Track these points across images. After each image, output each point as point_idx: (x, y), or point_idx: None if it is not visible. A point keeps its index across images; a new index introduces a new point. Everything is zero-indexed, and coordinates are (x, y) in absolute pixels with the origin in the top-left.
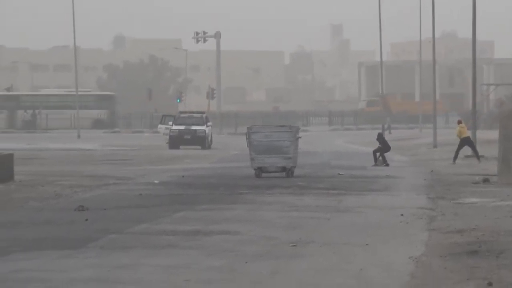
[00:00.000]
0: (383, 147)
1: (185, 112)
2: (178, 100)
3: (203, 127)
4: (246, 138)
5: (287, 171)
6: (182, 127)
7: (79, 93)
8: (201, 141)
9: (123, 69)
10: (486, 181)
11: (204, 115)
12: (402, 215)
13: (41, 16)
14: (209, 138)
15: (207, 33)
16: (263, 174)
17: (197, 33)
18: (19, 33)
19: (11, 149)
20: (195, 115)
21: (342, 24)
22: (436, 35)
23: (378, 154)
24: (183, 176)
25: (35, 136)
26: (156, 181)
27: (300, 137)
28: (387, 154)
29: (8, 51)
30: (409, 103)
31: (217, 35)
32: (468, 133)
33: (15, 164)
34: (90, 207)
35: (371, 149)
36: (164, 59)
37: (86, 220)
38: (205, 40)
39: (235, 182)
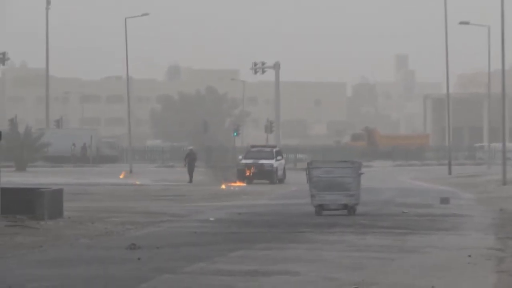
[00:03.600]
0: None
1: (256, 146)
2: (235, 134)
3: (271, 161)
4: (306, 174)
5: (349, 209)
6: (250, 161)
7: None
8: (269, 175)
9: (178, 100)
10: None
11: (275, 149)
12: (469, 256)
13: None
14: (280, 172)
15: (265, 63)
16: (324, 212)
17: (255, 64)
18: (70, 63)
19: (60, 184)
20: (266, 149)
21: (408, 54)
22: (506, 66)
23: None
24: (239, 213)
25: (84, 170)
26: (211, 219)
27: (362, 173)
28: (455, 192)
29: (59, 81)
30: (396, 138)
31: (276, 66)
32: None
33: (64, 200)
34: (142, 245)
35: (437, 186)
36: (221, 91)
37: (139, 259)
38: (263, 71)
39: (295, 219)
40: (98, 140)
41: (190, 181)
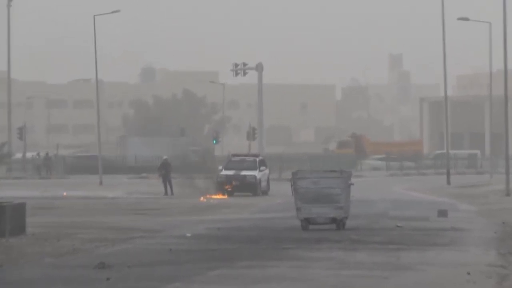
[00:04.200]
0: None
1: (237, 155)
2: (214, 141)
3: (254, 172)
4: (291, 185)
5: (338, 223)
6: (230, 173)
7: None
8: (251, 187)
9: (153, 105)
10: None
11: (258, 159)
12: (469, 273)
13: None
14: (264, 183)
15: (247, 64)
16: (311, 226)
17: (236, 65)
18: (34, 65)
19: (23, 197)
20: (248, 158)
21: (402, 54)
22: (509, 66)
23: None
24: (219, 229)
25: (49, 182)
26: (188, 234)
27: (352, 184)
28: (454, 203)
29: (21, 85)
30: (386, 145)
31: (259, 67)
32: None
33: (27, 215)
34: (112, 264)
35: (435, 197)
36: (199, 94)
37: (108, 279)
38: (245, 73)
39: (279, 235)
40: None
41: (166, 193)
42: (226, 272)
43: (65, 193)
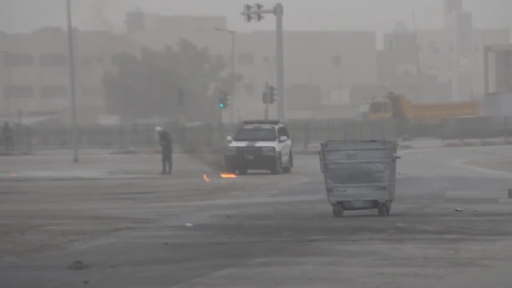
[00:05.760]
0: None
1: (251, 122)
2: (221, 105)
3: (273, 143)
4: (320, 159)
5: (380, 207)
6: (242, 144)
7: None
8: (269, 163)
9: (142, 61)
10: None
11: (277, 127)
12: None
13: None
14: (285, 158)
15: (262, 6)
16: (346, 212)
17: (249, 7)
18: None
19: None
20: (264, 126)
21: None
22: None
23: None
24: (228, 216)
25: (9, 159)
26: (189, 224)
27: (398, 157)
28: None
29: None
30: (431, 108)
31: (278, 10)
32: None
33: None
34: (91, 263)
35: (505, 173)
36: (200, 46)
37: (86, 282)
38: (260, 17)
39: (304, 223)
40: None
41: (164, 171)
42: (237, 271)
43: (13, 174)
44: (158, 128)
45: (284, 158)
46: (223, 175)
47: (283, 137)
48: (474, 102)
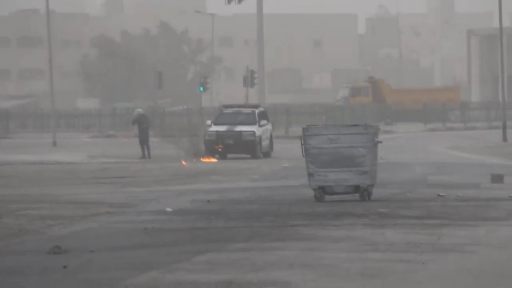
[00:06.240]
0: None
1: (231, 106)
2: (201, 89)
3: (253, 128)
4: (301, 144)
5: (362, 192)
6: (222, 128)
7: None
8: (250, 147)
9: (121, 44)
10: None
11: (257, 111)
12: None
13: None
14: (265, 142)
15: None
16: (327, 197)
17: None
18: None
19: None
20: (244, 110)
21: None
22: None
23: None
24: (208, 201)
25: None
26: (168, 209)
27: (380, 142)
28: (506, 167)
29: None
30: (412, 92)
31: None
32: None
33: None
34: (70, 248)
35: (486, 158)
36: (179, 29)
37: (65, 267)
38: (240, 0)
39: (285, 209)
40: None
41: (143, 155)
42: (217, 257)
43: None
44: (139, 110)
45: (265, 143)
46: (203, 160)
47: (263, 121)
48: (456, 87)
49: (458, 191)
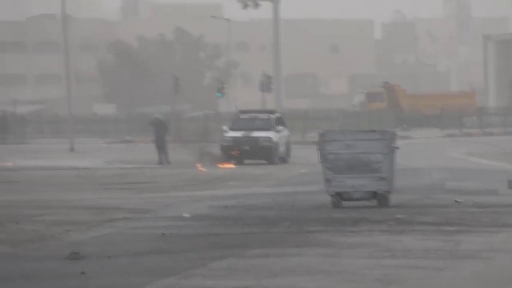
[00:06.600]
0: None
1: (247, 112)
2: (218, 94)
3: (270, 133)
4: (318, 149)
5: (380, 198)
6: (238, 134)
7: None
8: (266, 153)
9: (137, 49)
10: None
11: (274, 116)
12: None
13: None
14: (282, 148)
15: None
16: (344, 203)
17: None
18: None
19: None
20: (261, 115)
21: None
22: None
23: None
24: (226, 207)
25: (5, 148)
26: (186, 215)
27: (397, 148)
28: None
29: None
30: (427, 97)
31: None
32: None
33: None
34: (87, 254)
35: (505, 164)
36: (195, 34)
37: (82, 273)
38: (256, 5)
39: (302, 214)
40: None
41: (160, 161)
42: (235, 262)
43: (10, 163)
44: (157, 115)
45: (281, 149)
46: (220, 165)
47: (280, 127)
48: (472, 92)
49: (476, 197)
